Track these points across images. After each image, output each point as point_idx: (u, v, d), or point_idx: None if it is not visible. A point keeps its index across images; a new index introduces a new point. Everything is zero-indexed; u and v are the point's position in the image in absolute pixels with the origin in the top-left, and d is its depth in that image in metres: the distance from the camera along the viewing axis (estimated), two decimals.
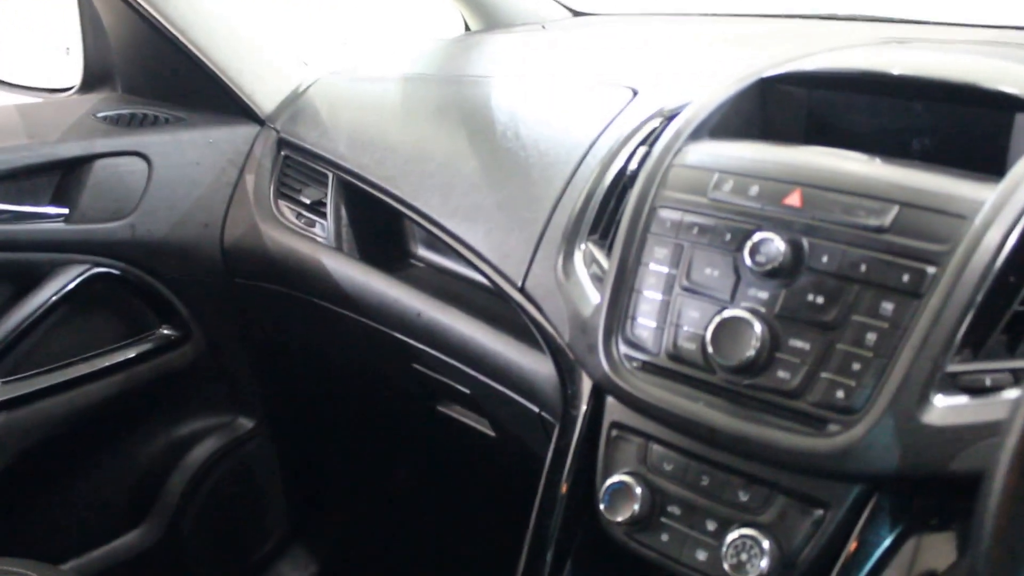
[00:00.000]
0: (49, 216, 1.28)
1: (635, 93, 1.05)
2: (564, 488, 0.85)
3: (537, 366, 1.00)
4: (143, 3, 1.29)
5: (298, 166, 1.36)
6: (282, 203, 1.37)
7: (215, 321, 1.46)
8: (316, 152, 1.32)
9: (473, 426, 1.27)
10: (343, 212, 1.30)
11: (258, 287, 1.39)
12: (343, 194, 1.29)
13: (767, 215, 0.74)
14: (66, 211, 1.28)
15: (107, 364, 1.37)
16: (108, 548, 1.45)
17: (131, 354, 1.39)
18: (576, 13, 1.69)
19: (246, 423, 1.57)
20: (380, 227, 1.29)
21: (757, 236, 0.73)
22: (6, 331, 1.25)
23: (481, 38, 1.58)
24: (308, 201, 1.34)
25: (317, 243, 1.31)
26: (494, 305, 1.11)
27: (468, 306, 1.12)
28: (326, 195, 1.31)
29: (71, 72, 1.48)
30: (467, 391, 1.16)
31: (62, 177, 1.29)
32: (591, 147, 0.99)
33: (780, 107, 0.91)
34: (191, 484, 1.51)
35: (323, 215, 1.31)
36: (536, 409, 1.04)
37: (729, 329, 0.72)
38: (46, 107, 1.47)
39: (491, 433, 1.24)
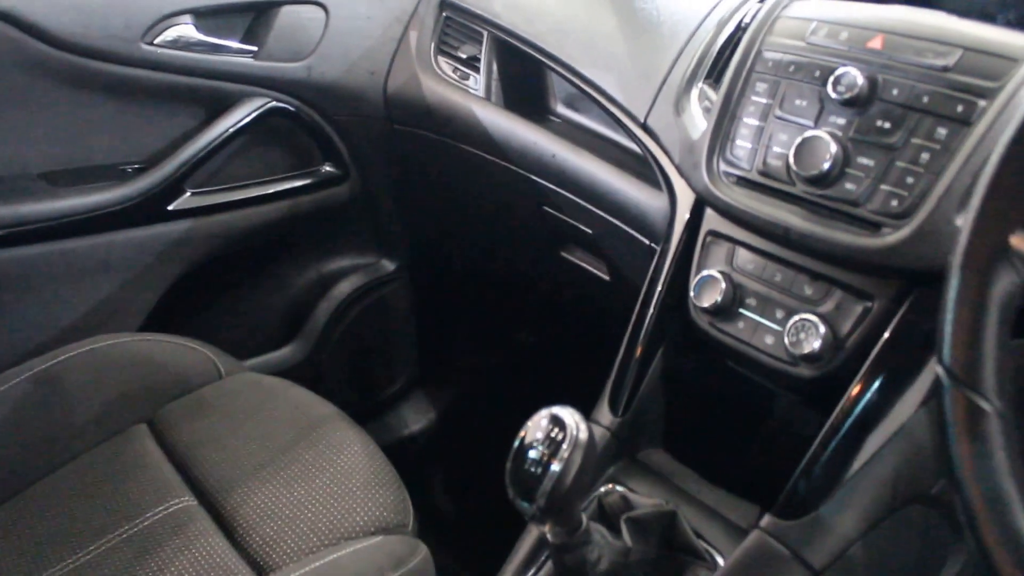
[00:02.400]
0: (240, 51, 1.53)
1: None
2: (663, 283, 1.06)
3: (652, 201, 1.21)
4: None
5: (456, 25, 1.58)
6: (440, 58, 1.59)
7: (371, 164, 1.71)
8: (474, 12, 1.53)
9: (591, 271, 1.48)
10: (494, 67, 1.51)
11: (413, 133, 1.63)
12: (495, 51, 1.51)
13: (852, 55, 0.93)
14: (254, 49, 1.54)
15: (276, 190, 1.63)
16: (262, 359, 1.72)
17: (296, 184, 1.65)
18: None
19: (388, 265, 1.83)
20: (526, 82, 1.50)
21: (840, 70, 0.91)
22: (197, 148, 1.52)
23: None
24: (464, 56, 1.56)
25: (469, 94, 1.53)
26: (619, 154, 1.31)
27: (596, 151, 1.32)
28: (480, 51, 1.52)
29: None
30: (589, 231, 1.37)
31: (253, 19, 1.54)
32: (715, 7, 1.17)
33: None
34: (335, 314, 1.78)
35: (476, 69, 1.53)
36: (647, 241, 1.24)
37: (809, 147, 0.91)
38: None
39: (606, 277, 1.45)
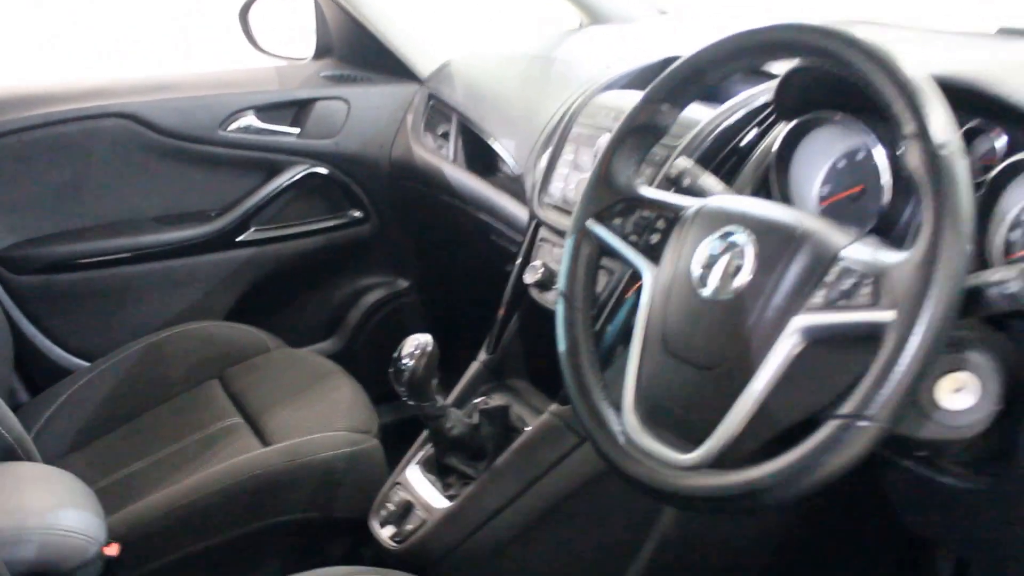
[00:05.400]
0: (288, 133, 2.18)
1: (609, 66, 1.77)
2: (517, 270, 1.62)
3: None
4: (349, 8, 2.16)
5: (438, 110, 2.17)
6: (426, 133, 2.19)
7: (385, 209, 2.31)
8: (447, 102, 2.12)
9: None
10: (459, 139, 2.09)
11: (411, 186, 2.23)
12: (459, 128, 2.08)
13: (607, 126, 1.48)
14: (298, 131, 2.18)
15: (316, 228, 2.26)
16: (309, 348, 2.30)
17: (331, 224, 2.28)
18: (664, 12, 2.34)
19: (403, 283, 2.42)
20: (479, 150, 2.06)
21: (602, 137, 1.47)
22: (258, 199, 2.16)
23: (577, 32, 2.28)
24: (441, 132, 2.15)
25: (443, 158, 2.11)
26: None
27: (515, 195, 1.88)
28: (451, 128, 2.11)
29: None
30: (514, 250, 1.92)
31: (296, 110, 2.18)
32: (568, 98, 1.72)
33: None
34: (363, 318, 2.37)
35: (447, 140, 2.11)
36: None
37: (583, 183, 1.46)
38: (291, 68, 2.35)
39: None
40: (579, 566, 1.49)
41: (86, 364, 2.00)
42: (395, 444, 1.70)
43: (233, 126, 2.11)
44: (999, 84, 0.98)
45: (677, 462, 0.94)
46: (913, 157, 0.83)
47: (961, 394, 0.89)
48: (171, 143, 2.06)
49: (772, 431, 0.89)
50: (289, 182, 2.19)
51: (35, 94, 1.99)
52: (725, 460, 0.90)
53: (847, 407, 0.79)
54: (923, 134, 0.82)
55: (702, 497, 0.91)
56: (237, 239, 2.17)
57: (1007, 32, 1.47)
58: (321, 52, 2.36)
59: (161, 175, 2.10)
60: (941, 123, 0.82)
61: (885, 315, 0.80)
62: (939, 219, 0.79)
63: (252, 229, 2.19)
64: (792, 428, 0.87)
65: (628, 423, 1.01)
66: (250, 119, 2.13)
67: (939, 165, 0.80)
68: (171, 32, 2.61)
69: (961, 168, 0.80)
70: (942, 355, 0.87)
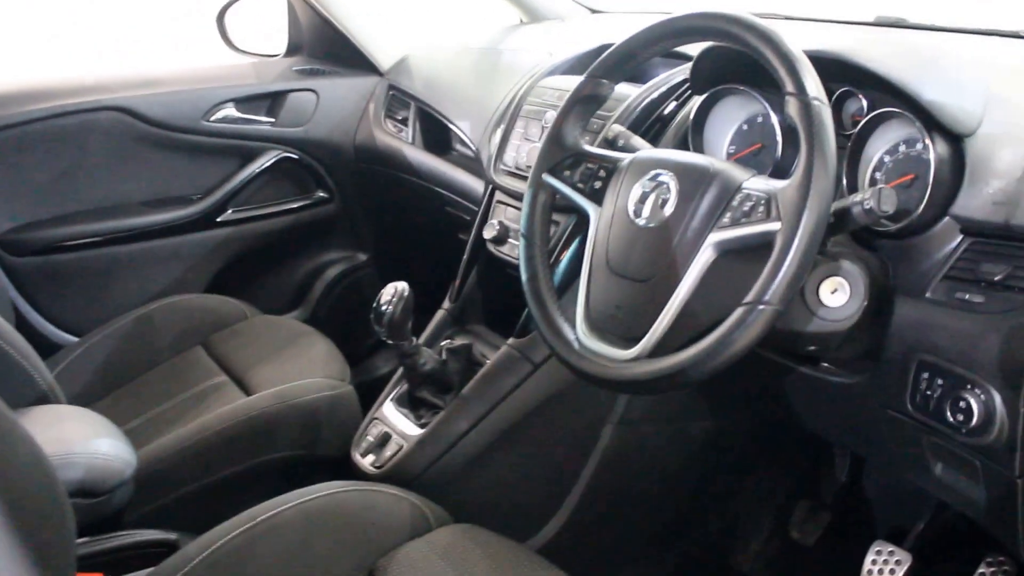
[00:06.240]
0: (263, 122, 2.38)
1: (551, 54, 2.01)
2: (476, 227, 1.85)
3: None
4: (319, 8, 2.38)
5: (397, 98, 2.39)
6: (387, 119, 2.41)
7: (348, 190, 2.52)
8: (406, 91, 2.35)
9: None
10: (417, 123, 2.31)
11: (372, 168, 2.44)
12: (418, 113, 2.31)
13: (552, 104, 1.72)
14: (272, 120, 2.38)
15: (287, 208, 2.47)
16: (286, 315, 2.48)
17: (298, 204, 2.48)
18: (593, 11, 2.59)
19: (362, 256, 2.63)
20: (436, 132, 2.27)
21: (548, 113, 1.71)
22: (236, 183, 2.35)
23: (519, 28, 2.51)
24: (400, 117, 2.37)
25: (403, 140, 2.33)
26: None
27: (468, 168, 2.11)
28: (409, 113, 2.33)
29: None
30: (468, 218, 2.15)
31: (271, 101, 2.39)
32: (518, 82, 1.96)
33: None
34: (326, 289, 2.57)
35: (407, 125, 2.33)
36: None
37: (532, 152, 1.70)
38: (265, 63, 2.54)
39: None
40: (535, 480, 1.73)
41: (78, 339, 2.10)
42: (362, 403, 1.89)
43: (215, 117, 2.30)
44: (859, 56, 1.24)
45: (621, 357, 1.18)
46: (792, 108, 1.08)
47: (837, 294, 1.15)
48: (160, 133, 2.25)
49: (695, 326, 1.13)
50: (263, 167, 2.39)
51: (36, 89, 2.16)
52: (659, 351, 1.14)
53: (749, 296, 1.04)
54: (799, 91, 1.08)
55: (642, 381, 1.14)
56: (217, 219, 2.36)
57: (880, 20, 1.76)
58: (293, 49, 2.58)
59: (150, 163, 2.28)
60: (811, 83, 1.08)
61: (774, 225, 1.05)
62: (811, 152, 1.05)
63: (230, 211, 2.37)
64: (711, 324, 1.10)
65: (580, 331, 1.25)
66: (230, 110, 2.32)
67: (810, 113, 1.06)
68: (170, 32, 2.80)
69: (826, 115, 1.06)
70: (822, 263, 1.14)
